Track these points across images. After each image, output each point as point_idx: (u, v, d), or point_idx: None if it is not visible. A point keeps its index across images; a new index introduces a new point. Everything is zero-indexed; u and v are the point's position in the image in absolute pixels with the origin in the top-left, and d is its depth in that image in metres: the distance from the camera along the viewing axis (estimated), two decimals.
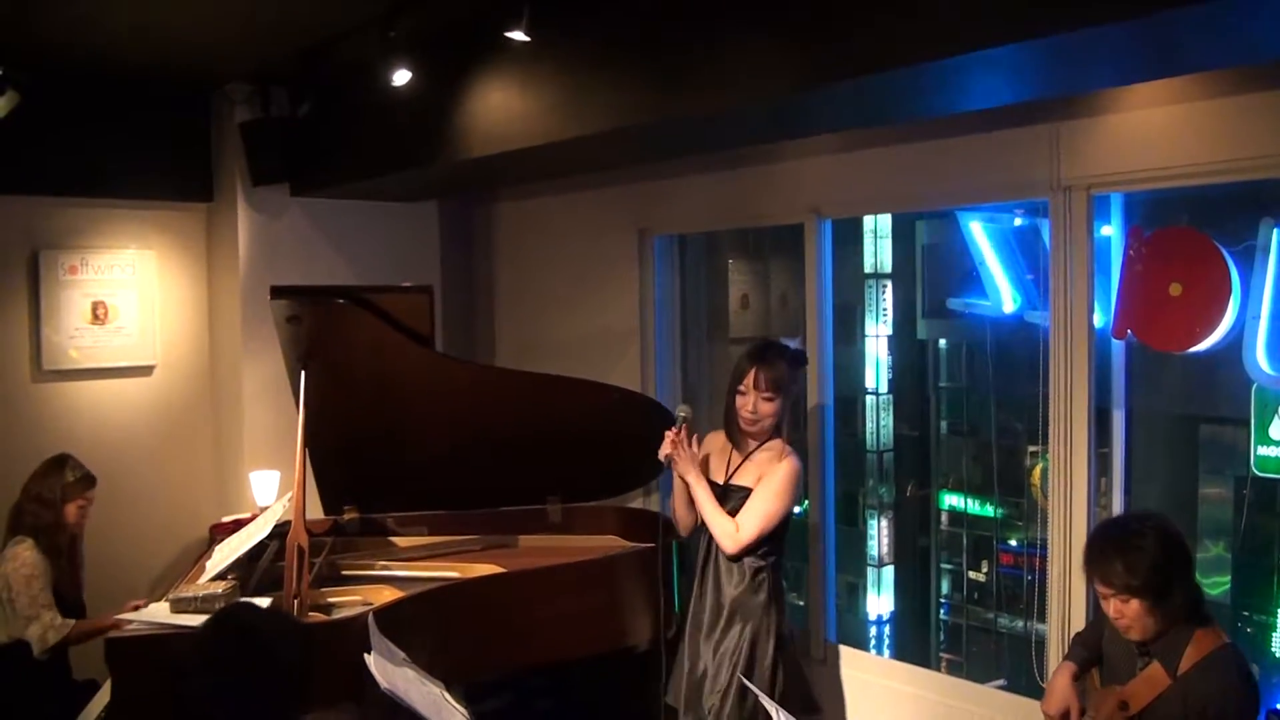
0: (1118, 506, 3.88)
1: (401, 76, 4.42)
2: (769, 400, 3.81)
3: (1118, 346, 3.85)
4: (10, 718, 4.15)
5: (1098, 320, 3.82)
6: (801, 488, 3.87)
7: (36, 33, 4.57)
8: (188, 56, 5.05)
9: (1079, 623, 3.74)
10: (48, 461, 4.58)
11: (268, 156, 5.56)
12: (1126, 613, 2.86)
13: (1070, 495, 3.86)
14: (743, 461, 3.90)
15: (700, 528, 3.96)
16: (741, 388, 3.84)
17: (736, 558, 3.81)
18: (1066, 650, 3.32)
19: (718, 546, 3.83)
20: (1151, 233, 3.69)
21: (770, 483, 3.79)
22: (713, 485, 3.87)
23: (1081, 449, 3.83)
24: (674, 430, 3.85)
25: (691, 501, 3.93)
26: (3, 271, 5.50)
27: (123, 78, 5.45)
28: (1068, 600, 3.86)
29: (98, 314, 5.70)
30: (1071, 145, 3.80)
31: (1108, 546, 2.87)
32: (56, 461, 4.56)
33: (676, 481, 3.96)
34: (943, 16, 2.88)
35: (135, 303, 5.82)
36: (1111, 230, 3.86)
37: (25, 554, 4.25)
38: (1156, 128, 3.61)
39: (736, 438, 3.93)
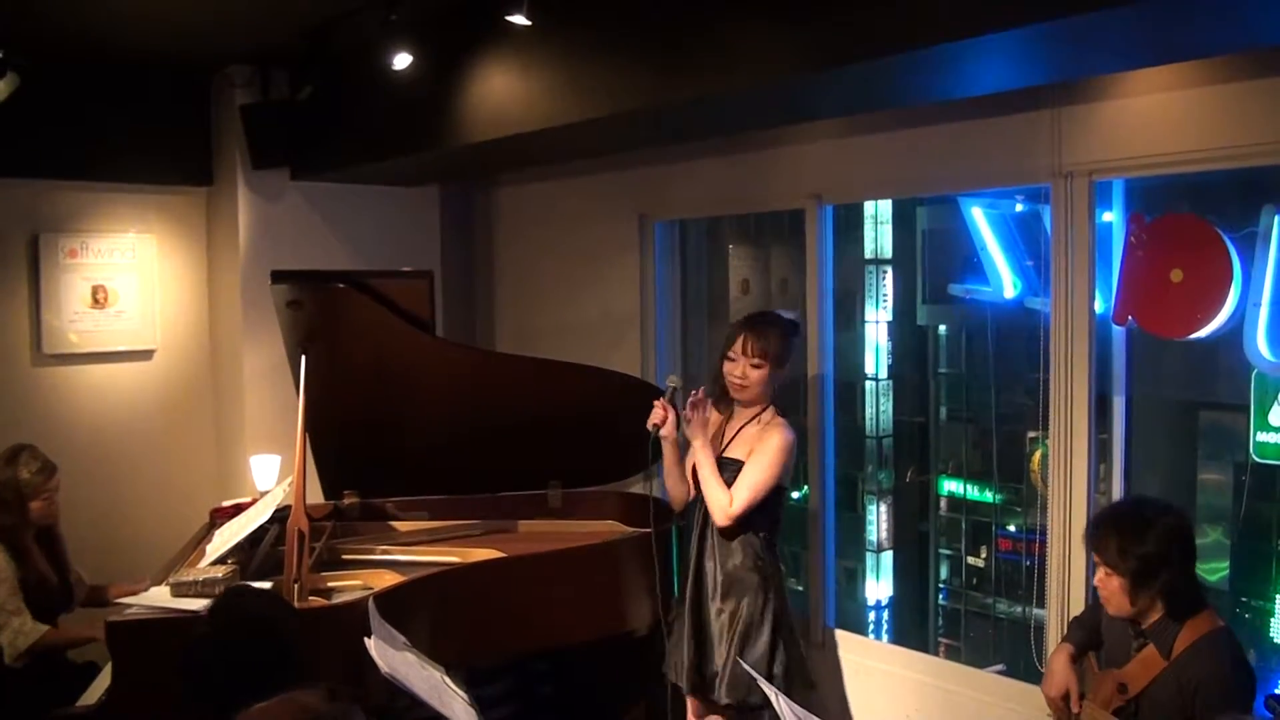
0: (1118, 493, 3.89)
1: (402, 60, 4.41)
2: (757, 367, 3.83)
3: (1118, 333, 3.85)
4: (4, 711, 4.11)
5: (1098, 306, 3.82)
6: (794, 459, 3.87)
7: (36, 15, 4.56)
8: (188, 39, 5.04)
9: (1078, 608, 3.74)
10: None
11: (268, 140, 5.55)
12: (1108, 585, 2.93)
13: (1070, 481, 3.87)
14: (735, 434, 3.91)
15: (694, 503, 3.98)
16: (730, 354, 3.87)
17: (730, 533, 3.83)
18: (1064, 633, 3.34)
19: (712, 521, 3.85)
20: (1153, 219, 3.68)
21: (762, 454, 3.80)
22: None
23: (1082, 435, 3.83)
24: (663, 399, 3.87)
25: (683, 476, 3.96)
26: (3, 255, 5.50)
27: (123, 60, 5.44)
28: (1067, 585, 3.87)
29: (98, 298, 5.70)
30: (1073, 131, 3.80)
31: (1114, 521, 2.95)
32: (7, 460, 4.22)
33: (668, 454, 3.96)
34: (944, 1, 2.87)
35: (135, 286, 5.82)
36: (1113, 216, 3.86)
37: None
38: (1159, 113, 3.61)
39: (726, 405, 3.95)
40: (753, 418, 3.91)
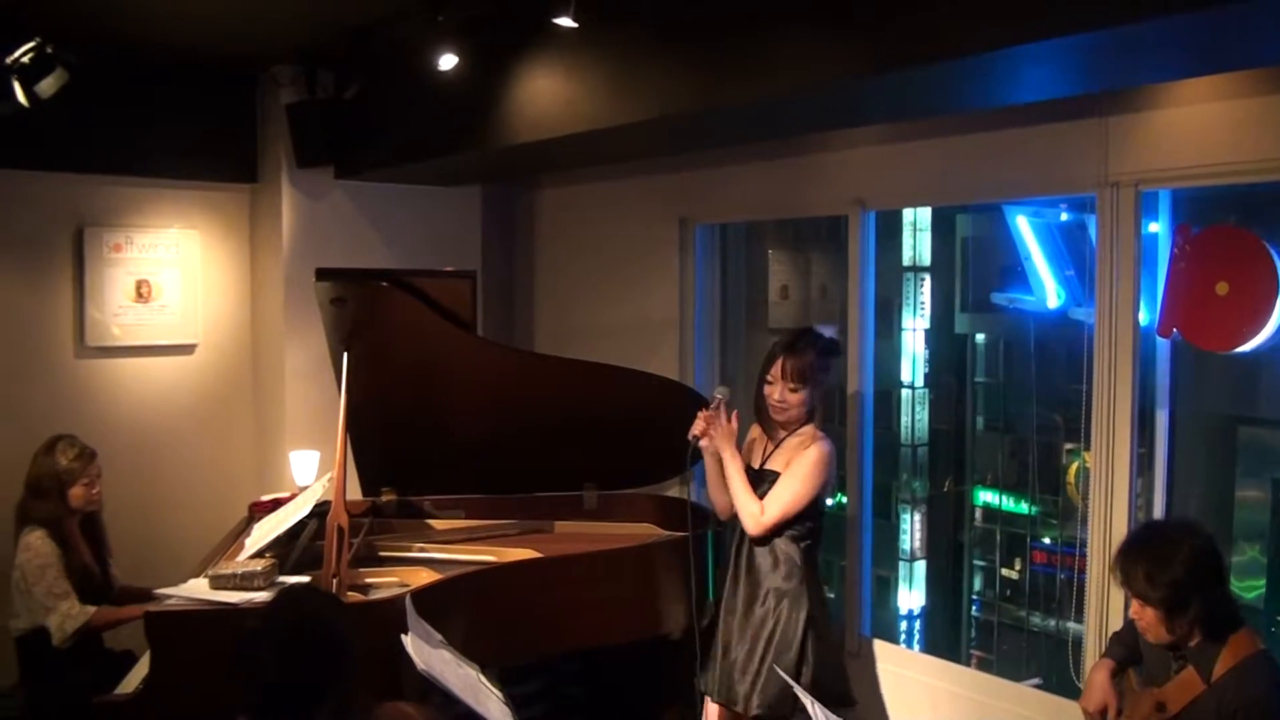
0: (1158, 507, 3.86)
1: (448, 61, 4.43)
2: (794, 391, 3.83)
3: (1162, 345, 3.82)
4: (41, 700, 4.16)
5: (1143, 318, 3.79)
6: (832, 472, 3.87)
7: (85, 13, 4.61)
8: (235, 37, 5.09)
9: (1117, 623, 3.71)
10: (38, 451, 4.33)
11: (313, 139, 5.58)
12: (1143, 616, 2.91)
13: (1111, 495, 3.83)
14: (776, 447, 3.92)
15: (736, 516, 3.97)
16: (769, 377, 3.88)
17: (762, 541, 3.83)
18: (1104, 649, 3.31)
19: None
20: (1199, 230, 3.65)
21: (797, 467, 3.80)
22: (748, 470, 3.90)
23: (1124, 449, 3.80)
24: (708, 409, 3.88)
25: (725, 489, 3.95)
26: (48, 248, 5.57)
27: (170, 58, 5.49)
28: (1106, 600, 3.83)
29: (141, 292, 5.76)
30: (1120, 140, 3.77)
31: (1139, 550, 2.90)
32: (46, 448, 4.31)
33: (710, 466, 3.98)
34: (993, 7, 2.86)
35: (178, 282, 5.87)
36: (1158, 227, 3.83)
37: (37, 543, 4.15)
38: (1207, 124, 3.57)
39: (768, 425, 3.95)
40: (791, 432, 3.91)
